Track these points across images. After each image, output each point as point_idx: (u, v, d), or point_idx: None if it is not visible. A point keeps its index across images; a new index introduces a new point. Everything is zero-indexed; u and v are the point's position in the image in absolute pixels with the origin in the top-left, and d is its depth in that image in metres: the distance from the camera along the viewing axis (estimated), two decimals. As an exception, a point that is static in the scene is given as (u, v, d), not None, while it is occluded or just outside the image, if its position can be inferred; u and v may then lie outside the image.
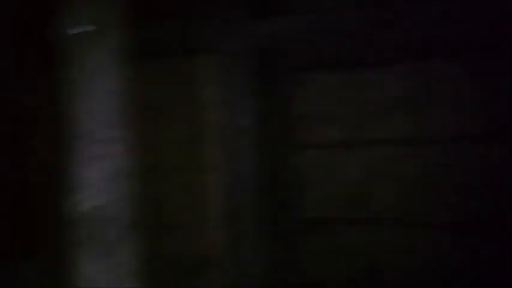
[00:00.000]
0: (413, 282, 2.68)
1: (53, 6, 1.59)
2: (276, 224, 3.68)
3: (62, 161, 3.90)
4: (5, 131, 4.17)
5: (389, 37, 2.76)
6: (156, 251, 2.81)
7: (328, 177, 3.47)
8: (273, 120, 3.70)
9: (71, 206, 1.56)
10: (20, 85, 4.30)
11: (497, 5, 2.08)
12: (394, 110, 3.33)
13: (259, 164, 3.39)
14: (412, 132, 2.95)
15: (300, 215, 3.67)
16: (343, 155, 3.44)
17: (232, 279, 3.24)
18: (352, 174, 3.43)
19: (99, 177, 1.55)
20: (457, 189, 2.39)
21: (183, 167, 3.65)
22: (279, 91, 3.75)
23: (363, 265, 3.34)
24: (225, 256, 3.40)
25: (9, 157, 4.20)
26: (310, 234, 3.62)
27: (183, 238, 3.62)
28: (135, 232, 1.67)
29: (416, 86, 2.81)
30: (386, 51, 2.89)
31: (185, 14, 3.07)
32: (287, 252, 3.70)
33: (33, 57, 3.83)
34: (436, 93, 2.64)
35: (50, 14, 1.59)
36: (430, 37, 2.51)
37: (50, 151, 4.15)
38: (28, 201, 4.23)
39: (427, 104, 2.74)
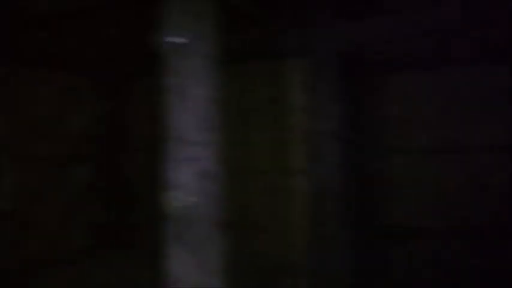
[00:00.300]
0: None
1: (152, 18, 1.72)
2: (360, 230, 3.59)
3: (158, 162, 4.17)
4: (104, 130, 4.58)
5: (480, 37, 2.59)
6: (240, 251, 2.88)
7: (419, 184, 3.30)
8: (360, 124, 3.62)
9: (164, 204, 1.68)
10: (121, 89, 4.70)
11: None
12: (488, 114, 3.09)
13: (345, 168, 3.34)
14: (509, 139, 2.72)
15: (386, 222, 3.54)
16: (435, 160, 3.25)
17: (313, 283, 3.22)
18: (444, 181, 3.23)
19: (191, 178, 1.65)
20: None
21: (269, 170, 3.71)
22: (366, 94, 3.66)
23: (451, 276, 3.12)
24: (307, 259, 3.40)
25: (109, 157, 4.61)
26: (396, 243, 3.47)
27: (267, 239, 3.68)
28: (221, 232, 1.75)
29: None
30: (473, 51, 2.71)
31: (272, 20, 3.13)
32: (371, 258, 3.58)
33: (134, 64, 4.16)
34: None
35: (150, 25, 1.72)
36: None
37: (147, 152, 4.49)
38: (126, 198, 4.60)
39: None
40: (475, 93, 3.03)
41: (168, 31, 1.71)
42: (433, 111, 3.25)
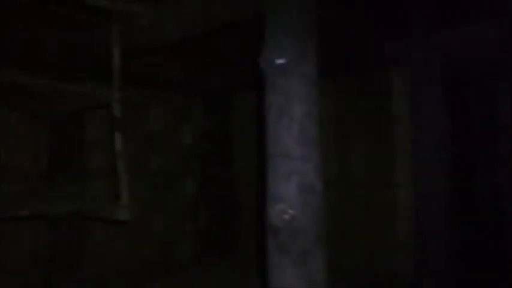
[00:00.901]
0: None
1: (261, 37, 1.82)
2: (466, 248, 3.32)
3: (260, 175, 4.31)
4: (210, 145, 4.86)
5: None
6: (337, 265, 2.86)
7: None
8: (466, 135, 3.39)
9: (268, 216, 1.75)
10: (226, 106, 4.97)
11: None
12: None
13: (450, 182, 3.14)
14: None
15: (499, 241, 3.25)
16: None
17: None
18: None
19: (293, 192, 1.70)
20: None
21: (366, 182, 3.63)
22: (475, 103, 3.43)
23: None
24: (410, 275, 3.24)
25: (214, 171, 4.89)
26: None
27: (365, 253, 3.58)
28: (323, 245, 1.77)
29: None
30: None
31: (369, 30, 3.10)
32: (476, 274, 3.28)
33: (238, 82, 4.39)
34: None
35: (260, 44, 1.83)
36: None
37: (250, 165, 4.68)
38: (230, 209, 4.83)
39: None
40: None
41: (270, 50, 1.80)
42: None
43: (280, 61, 1.74)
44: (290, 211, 1.69)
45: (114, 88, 2.54)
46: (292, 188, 1.69)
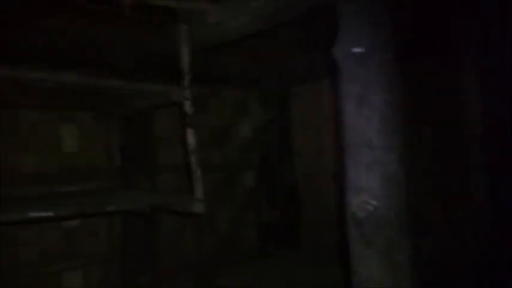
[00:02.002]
0: None
1: (336, 28, 1.81)
2: None
3: (321, 166, 4.27)
4: (269, 138, 4.90)
5: None
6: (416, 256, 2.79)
7: None
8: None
9: (351, 207, 1.74)
10: (284, 98, 4.97)
11: None
12: None
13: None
14: None
15: None
16: None
17: None
18: None
19: (374, 182, 1.68)
20: None
21: (442, 169, 3.50)
22: None
23: None
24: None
25: (273, 163, 4.92)
26: None
27: (444, 242, 3.47)
28: (408, 235, 1.74)
29: None
30: None
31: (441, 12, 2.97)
32: None
33: (299, 74, 4.39)
34: None
35: (335, 34, 1.82)
36: None
37: (309, 157, 4.68)
38: (291, 201, 4.85)
39: None
40: None
41: (345, 40, 1.78)
42: None
43: (357, 50, 1.72)
44: (373, 202, 1.68)
45: (184, 86, 2.62)
46: (375, 178, 1.67)
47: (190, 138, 2.57)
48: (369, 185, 1.69)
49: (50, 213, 2.00)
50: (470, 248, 3.29)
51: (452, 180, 3.33)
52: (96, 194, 3.08)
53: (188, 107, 2.59)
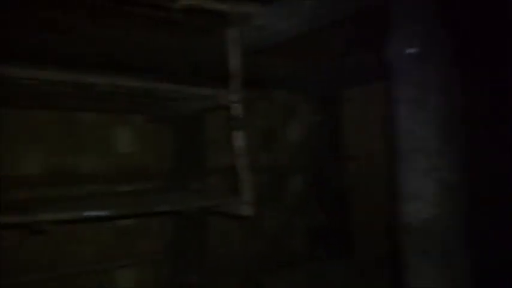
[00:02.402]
0: None
1: (389, 27, 1.74)
2: None
3: (374, 171, 4.14)
4: (318, 141, 4.82)
5: None
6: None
7: None
8: None
9: (404, 215, 1.66)
10: (333, 101, 4.89)
11: None
12: None
13: None
14: None
15: None
16: None
17: None
18: None
19: (431, 189, 1.59)
20: None
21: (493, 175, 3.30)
22: None
23: None
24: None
25: (323, 166, 4.84)
26: None
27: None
28: (465, 245, 1.64)
29: None
30: None
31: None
32: None
33: (348, 76, 4.30)
34: None
35: (386, 34, 1.74)
36: None
37: (361, 161, 4.56)
38: (341, 206, 4.75)
39: None
40: None
41: (399, 40, 1.70)
42: None
43: (411, 50, 1.64)
44: (428, 209, 1.59)
45: (232, 90, 2.63)
46: (431, 185, 1.58)
47: (238, 141, 2.58)
48: (425, 192, 1.60)
49: (103, 213, 2.07)
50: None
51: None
52: (148, 194, 3.16)
53: (235, 110, 2.59)
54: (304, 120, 4.82)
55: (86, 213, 2.04)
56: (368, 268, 3.92)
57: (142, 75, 3.06)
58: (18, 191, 2.90)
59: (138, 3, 2.81)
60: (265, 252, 4.33)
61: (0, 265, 2.86)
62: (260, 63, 3.53)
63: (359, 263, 4.24)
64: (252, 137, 4.31)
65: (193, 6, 2.53)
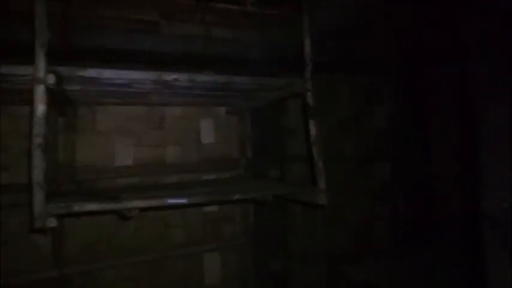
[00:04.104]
0: None
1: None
2: None
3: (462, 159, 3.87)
4: (401, 128, 4.62)
5: None
6: None
7: None
8: None
9: (485, 206, 1.56)
10: (417, 86, 4.65)
11: None
12: None
13: None
14: None
15: None
16: None
17: None
18: None
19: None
20: None
21: None
22: None
23: None
24: None
25: (407, 154, 4.63)
26: None
27: None
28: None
29: None
30: None
31: None
32: None
33: (430, 59, 4.06)
34: None
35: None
36: None
37: (451, 148, 4.29)
38: (427, 196, 4.52)
39: None
40: None
41: (477, 18, 1.59)
42: None
43: (493, 29, 1.52)
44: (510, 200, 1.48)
45: (306, 78, 2.64)
46: (513, 174, 1.47)
47: (313, 129, 2.59)
48: (509, 182, 1.49)
49: (184, 200, 2.23)
50: None
51: None
52: (230, 182, 3.30)
53: (310, 98, 2.60)
54: (390, 105, 4.64)
55: (169, 201, 2.20)
56: (452, 257, 3.71)
57: (221, 68, 3.21)
58: (113, 180, 3.22)
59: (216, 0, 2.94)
60: (348, 240, 4.28)
61: (96, 249, 3.21)
62: (342, 47, 3.47)
63: (443, 252, 4.01)
64: (334, 123, 4.28)
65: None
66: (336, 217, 4.21)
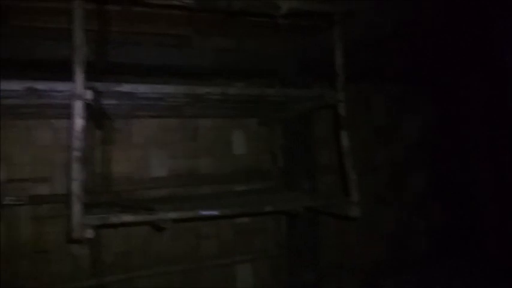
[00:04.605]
0: None
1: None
2: None
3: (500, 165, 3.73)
4: (437, 135, 4.49)
5: None
6: None
7: None
8: None
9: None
10: (451, 93, 4.52)
11: None
12: None
13: None
14: None
15: None
16: None
17: None
18: None
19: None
20: None
21: None
22: None
23: None
24: None
25: (444, 162, 4.49)
26: None
27: None
28: None
29: None
30: None
31: None
32: None
33: (463, 66, 3.94)
34: None
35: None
36: None
37: (486, 156, 4.14)
38: (467, 204, 4.36)
39: None
40: None
41: None
42: None
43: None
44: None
45: (337, 88, 2.62)
46: None
47: (345, 140, 2.56)
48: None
49: (216, 212, 2.25)
50: None
51: None
52: (261, 194, 3.31)
53: (342, 109, 2.58)
54: (425, 114, 4.53)
55: (202, 212, 2.23)
56: (492, 269, 3.55)
57: (252, 81, 3.24)
58: (148, 191, 3.29)
59: (247, 14, 2.98)
60: (382, 252, 4.19)
61: (132, 258, 3.27)
62: (373, 57, 3.43)
63: (483, 263, 3.85)
64: (366, 133, 4.21)
65: (296, 10, 2.59)
66: (371, 228, 4.13)
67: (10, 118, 2.90)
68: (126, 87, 2.18)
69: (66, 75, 1.98)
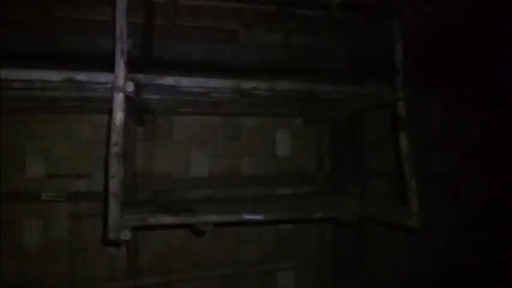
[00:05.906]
0: None
1: None
2: None
3: None
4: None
5: None
6: None
7: None
8: None
9: None
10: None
11: None
12: None
13: None
14: None
15: None
16: None
17: None
18: None
19: None
20: None
21: None
22: None
23: None
24: None
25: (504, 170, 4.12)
26: None
27: None
28: None
29: None
30: None
31: None
32: None
33: None
34: None
35: None
36: None
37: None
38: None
39: None
40: None
41: None
42: None
43: None
44: None
45: (398, 86, 2.39)
46: None
47: (404, 143, 2.33)
48: None
49: (261, 217, 2.07)
50: None
51: None
52: (307, 198, 3.11)
53: (401, 108, 2.34)
54: (484, 116, 4.16)
55: (245, 217, 2.06)
56: None
57: (301, 77, 3.05)
58: (188, 191, 3.16)
59: (298, 5, 2.79)
60: (433, 266, 3.88)
61: (169, 261, 3.15)
62: (423, 54, 3.16)
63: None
64: (416, 138, 3.91)
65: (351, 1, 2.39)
66: (420, 239, 3.84)
67: (51, 111, 2.85)
68: (169, 80, 2.06)
69: (109, 68, 1.89)
